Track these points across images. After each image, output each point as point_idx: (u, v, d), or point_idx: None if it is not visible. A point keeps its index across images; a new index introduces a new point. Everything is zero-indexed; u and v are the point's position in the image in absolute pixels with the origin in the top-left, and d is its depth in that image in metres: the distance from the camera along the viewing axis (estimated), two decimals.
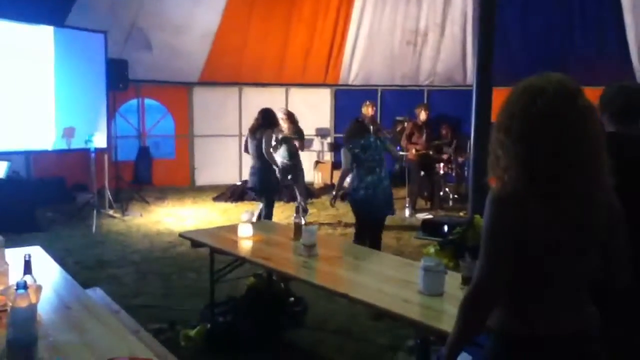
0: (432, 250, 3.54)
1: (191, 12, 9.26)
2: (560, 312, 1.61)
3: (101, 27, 8.21)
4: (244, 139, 10.94)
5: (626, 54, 9.09)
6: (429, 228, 4.39)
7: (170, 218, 8.13)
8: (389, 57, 10.69)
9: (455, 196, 9.04)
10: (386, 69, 10.96)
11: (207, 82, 10.62)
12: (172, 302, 4.86)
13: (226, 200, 9.42)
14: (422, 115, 9.37)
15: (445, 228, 4.13)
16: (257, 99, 11.06)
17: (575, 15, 9.04)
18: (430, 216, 5.56)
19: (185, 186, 10.62)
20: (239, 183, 9.95)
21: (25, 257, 2.42)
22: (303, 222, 7.19)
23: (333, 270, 3.18)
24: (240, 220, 3.94)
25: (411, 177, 8.76)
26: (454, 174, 9.40)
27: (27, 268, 2.39)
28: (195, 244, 3.89)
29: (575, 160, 1.56)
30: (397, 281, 2.96)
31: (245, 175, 10.60)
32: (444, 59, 10.67)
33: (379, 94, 11.31)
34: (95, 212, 7.46)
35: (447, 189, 9.18)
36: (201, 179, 10.92)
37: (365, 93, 11.12)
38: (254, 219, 6.83)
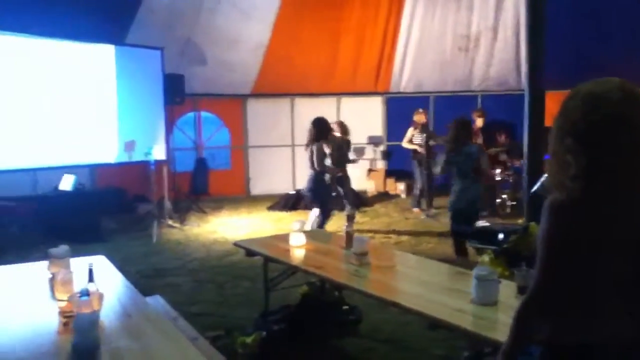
0: (486, 258, 3.49)
1: (243, 26, 9.48)
2: (610, 319, 1.57)
3: (158, 43, 8.52)
4: (296, 149, 11.22)
5: None
6: (483, 236, 4.32)
7: (226, 227, 8.32)
8: (440, 63, 10.59)
9: (513, 203, 8.81)
10: (438, 75, 10.85)
11: (259, 93, 10.83)
12: (227, 310, 4.96)
13: (280, 209, 9.54)
14: (479, 122, 9.23)
15: (500, 236, 4.07)
16: (309, 109, 11.19)
17: (623, 20, 8.70)
18: (486, 224, 5.48)
19: (240, 196, 10.83)
20: (292, 192, 10.06)
21: (89, 265, 2.56)
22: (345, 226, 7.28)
23: (384, 279, 3.19)
24: (292, 229, 3.99)
25: None
26: (510, 180, 9.18)
27: (91, 276, 2.52)
28: (250, 252, 3.97)
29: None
30: (450, 290, 2.94)
31: (299, 184, 10.82)
32: (497, 63, 10.47)
33: (431, 101, 11.21)
34: (155, 222, 7.71)
35: (504, 196, 8.97)
36: (256, 189, 11.12)
37: (417, 100, 11.05)
38: (308, 227, 6.96)
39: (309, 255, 3.77)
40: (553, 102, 10.84)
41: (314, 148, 6.69)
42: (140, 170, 9.30)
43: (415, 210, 9.29)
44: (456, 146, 5.28)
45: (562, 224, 1.58)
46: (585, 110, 1.56)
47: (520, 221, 7.59)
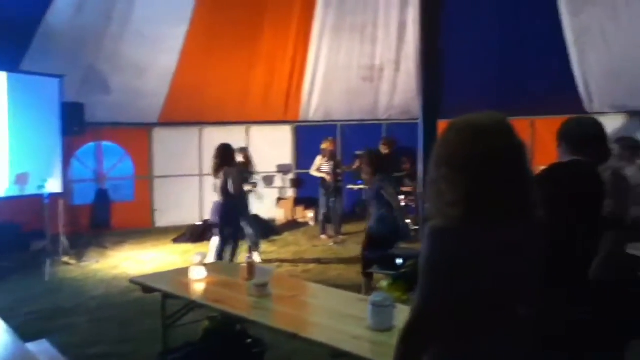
0: (384, 284, 3.55)
1: (149, 54, 9.26)
2: (488, 345, 1.62)
3: (57, 70, 8.13)
4: (204, 178, 11.02)
5: (572, 84, 9.45)
6: (385, 262, 4.41)
7: (129, 262, 7.95)
8: (347, 93, 10.86)
9: (416, 227, 9.09)
10: (345, 105, 11.12)
11: (167, 122, 10.58)
12: (129, 349, 4.71)
13: (186, 241, 9.27)
14: (383, 149, 9.53)
15: (399, 261, 4.17)
16: (218, 138, 11.04)
17: (523, 49, 9.36)
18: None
19: (146, 228, 10.43)
20: (199, 223, 9.83)
21: None
22: (258, 259, 7.20)
23: (285, 309, 3.15)
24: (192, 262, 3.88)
25: None
26: (414, 206, 9.49)
27: None
28: (146, 289, 3.80)
29: (514, 195, 1.61)
30: (349, 318, 2.95)
31: (207, 215, 10.58)
32: (400, 93, 10.89)
33: (339, 129, 11.44)
34: (48, 259, 7.24)
35: (408, 221, 9.23)
36: (162, 221, 10.75)
37: (326, 128, 11.24)
38: (211, 259, 6.82)
39: (210, 289, 3.67)
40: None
41: (230, 174, 6.58)
42: (35, 205, 8.74)
43: (323, 237, 9.36)
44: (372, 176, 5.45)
45: (441, 249, 1.62)
46: (462, 142, 1.63)
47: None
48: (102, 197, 10.19)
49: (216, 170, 6.73)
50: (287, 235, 9.79)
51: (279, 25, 9.76)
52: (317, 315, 3.03)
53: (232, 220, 6.72)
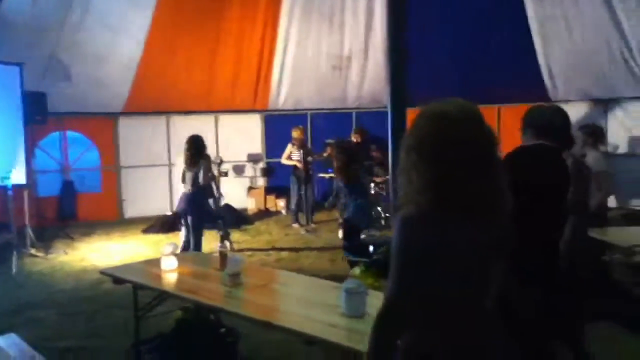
0: (357, 271, 3.58)
1: (111, 42, 9.07)
2: (459, 329, 1.66)
3: (17, 59, 7.90)
4: (173, 168, 10.88)
5: (538, 72, 9.62)
6: (356, 249, 4.45)
7: (97, 254, 7.83)
8: (317, 81, 10.83)
9: (387, 215, 9.18)
10: (315, 94, 11.10)
11: (132, 112, 10.39)
12: (98, 342, 4.66)
13: (157, 232, 9.17)
14: (355, 138, 9.59)
15: (371, 248, 4.21)
16: (186, 127, 10.92)
17: (488, 38, 9.48)
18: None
19: (113, 220, 10.27)
20: (169, 213, 9.73)
21: None
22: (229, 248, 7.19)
23: (258, 298, 3.15)
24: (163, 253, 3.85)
25: None
26: (384, 193, 9.58)
27: None
28: (117, 280, 3.76)
29: (483, 182, 1.63)
30: (323, 305, 2.97)
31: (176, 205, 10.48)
32: (368, 81, 10.92)
33: (309, 118, 11.43)
34: (14, 252, 7.08)
35: (379, 208, 9.32)
36: (130, 212, 10.61)
37: (295, 117, 11.22)
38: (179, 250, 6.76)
39: (182, 279, 3.64)
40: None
41: (203, 167, 6.51)
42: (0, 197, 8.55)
43: (295, 226, 9.38)
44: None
45: (410, 237, 1.65)
46: (431, 130, 1.65)
47: (389, 233, 7.94)
48: (68, 189, 9.98)
49: (192, 162, 6.62)
50: (258, 225, 9.77)
51: (246, 13, 9.65)
52: (290, 304, 3.04)
53: (198, 210, 6.65)
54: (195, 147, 6.72)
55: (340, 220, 8.57)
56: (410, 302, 1.65)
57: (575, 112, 9.02)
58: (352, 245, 5.03)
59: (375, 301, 2.87)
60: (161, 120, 10.84)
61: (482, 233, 1.65)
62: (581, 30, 8.85)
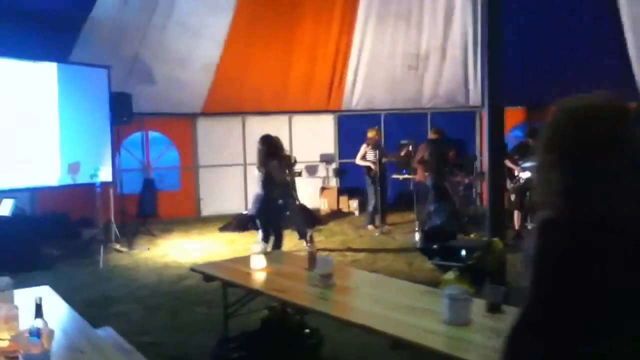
0: (451, 276, 3.44)
1: (192, 45, 9.29)
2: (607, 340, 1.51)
3: (104, 61, 8.23)
4: (248, 167, 11.05)
5: (629, 70, 9.09)
6: (444, 253, 4.30)
7: (177, 251, 8.03)
8: (391, 82, 10.70)
9: (465, 219, 8.90)
10: (388, 94, 10.96)
11: (210, 112, 10.62)
12: (181, 338, 4.72)
13: (232, 230, 9.31)
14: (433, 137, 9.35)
15: (462, 252, 4.06)
16: (260, 128, 11.06)
17: (575, 32, 9.04)
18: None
19: (191, 217, 10.54)
20: (244, 212, 9.86)
21: (36, 300, 2.34)
22: (305, 246, 7.17)
23: (351, 300, 3.08)
24: (251, 252, 3.84)
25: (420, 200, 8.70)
26: (461, 195, 9.31)
27: (39, 312, 2.31)
28: (207, 277, 3.79)
29: (631, 187, 1.47)
30: (418, 310, 2.86)
31: (251, 204, 10.63)
32: (445, 81, 10.67)
33: (382, 119, 11.29)
34: (102, 247, 7.36)
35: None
36: (207, 210, 10.86)
37: (368, 117, 11.12)
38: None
39: (271, 279, 3.62)
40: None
41: (272, 167, 6.53)
42: (84, 193, 8.92)
43: (370, 227, 9.27)
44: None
45: (550, 243, 1.51)
46: (575, 126, 1.51)
47: (472, 236, 7.69)
48: (149, 187, 10.32)
49: (261, 163, 6.65)
50: (332, 225, 9.73)
51: (322, 14, 9.66)
52: (386, 308, 2.94)
53: (270, 212, 6.64)
54: (265, 147, 6.72)
55: (418, 222, 8.43)
56: (551, 314, 1.51)
57: None
58: (436, 249, 4.89)
59: (474, 308, 2.75)
60: (237, 121, 11.03)
61: (628, 243, 1.48)
62: None
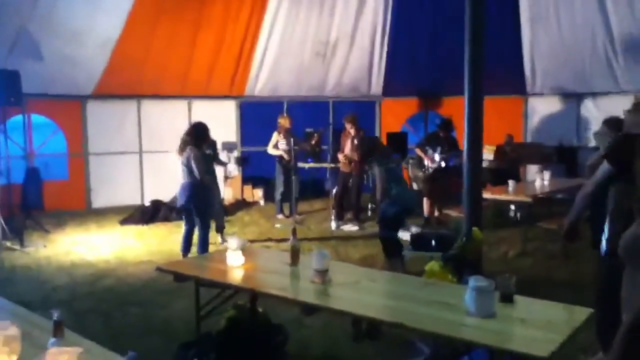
0: (436, 266, 3.46)
1: (90, 19, 8.41)
2: None
3: None
4: (145, 155, 10.35)
5: (520, 65, 9.84)
6: (419, 243, 4.34)
7: (80, 247, 7.29)
8: (298, 68, 10.58)
9: (373, 206, 9.11)
10: (294, 81, 10.84)
11: (102, 94, 9.75)
12: (125, 343, 4.28)
13: (136, 223, 8.67)
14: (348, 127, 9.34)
15: (433, 242, 4.12)
16: (158, 113, 10.43)
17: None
18: (416, 230, 5.70)
19: (80, 209, 9.64)
20: (147, 204, 9.22)
21: (55, 316, 2.02)
22: (222, 242, 6.90)
23: (362, 296, 2.95)
24: (226, 248, 3.57)
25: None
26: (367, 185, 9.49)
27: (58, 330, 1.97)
28: (179, 277, 3.45)
29: None
30: (433, 303, 2.81)
31: (148, 195, 9.97)
32: (351, 70, 10.79)
33: (285, 106, 11.15)
34: None
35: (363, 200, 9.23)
36: (98, 201, 10.00)
37: (272, 105, 10.94)
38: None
39: (254, 276, 3.39)
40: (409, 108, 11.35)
41: (194, 154, 6.11)
42: None
43: (280, 216, 9.14)
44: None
45: None
46: None
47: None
48: (33, 176, 9.24)
49: (182, 147, 6.24)
50: (241, 215, 9.46)
51: None
52: (399, 301, 2.87)
53: (203, 203, 6.26)
54: (192, 134, 6.31)
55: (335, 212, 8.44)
56: None
57: None
58: (390, 236, 4.94)
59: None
60: (132, 105, 10.25)
61: None
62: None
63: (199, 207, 6.17)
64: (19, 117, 9.15)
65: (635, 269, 1.73)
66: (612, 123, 5.33)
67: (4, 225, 7.32)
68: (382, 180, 5.44)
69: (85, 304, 5.15)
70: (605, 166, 2.89)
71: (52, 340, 2.11)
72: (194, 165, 6.04)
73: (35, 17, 8.01)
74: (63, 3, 8.05)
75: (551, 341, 2.28)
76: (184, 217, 6.42)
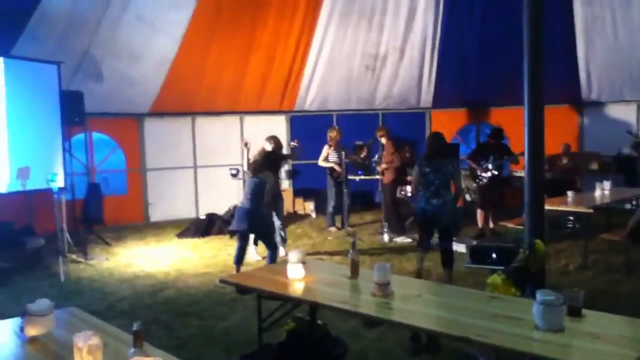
0: (498, 280, 3.42)
1: (149, 40, 8.75)
2: None
3: (51, 56, 7.57)
4: (199, 170, 10.62)
5: (575, 72, 9.63)
6: (478, 255, 4.30)
7: (140, 259, 7.53)
8: (347, 81, 10.67)
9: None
10: (343, 94, 10.92)
11: (158, 112, 10.08)
12: (189, 354, 4.40)
13: (192, 236, 8.88)
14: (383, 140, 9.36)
15: (494, 255, 4.08)
16: (211, 128, 10.71)
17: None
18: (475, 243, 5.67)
19: (138, 223, 9.97)
20: (202, 217, 9.45)
21: (135, 327, 2.11)
22: (283, 252, 6.94)
23: (423, 309, 2.95)
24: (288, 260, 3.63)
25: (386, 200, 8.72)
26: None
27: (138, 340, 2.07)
28: (242, 289, 3.53)
29: None
30: (498, 317, 2.79)
31: (203, 208, 10.20)
32: (400, 82, 10.79)
33: (335, 119, 11.23)
34: (60, 258, 6.75)
35: None
36: (156, 215, 10.32)
37: (321, 118, 11.04)
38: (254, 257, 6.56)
39: (315, 288, 3.43)
40: (449, 118, 11.32)
41: (269, 182, 6.04)
42: (24, 200, 8.22)
43: (332, 229, 9.19)
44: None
45: None
46: None
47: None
48: (94, 191, 9.61)
49: (255, 170, 6.19)
50: (293, 228, 9.53)
51: (284, 12, 9.40)
52: (463, 315, 2.85)
53: (265, 226, 6.27)
54: (266, 161, 6.23)
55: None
56: None
57: None
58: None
59: None
60: (187, 121, 10.56)
61: None
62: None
63: (261, 233, 6.17)
64: (81, 135, 9.62)
65: None
66: None
67: (69, 238, 7.61)
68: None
69: (148, 315, 5.30)
70: None
71: (132, 350, 2.20)
72: (265, 194, 5.93)
73: (97, 40, 8.37)
74: (124, 26, 8.38)
75: (625, 357, 2.23)
76: (237, 236, 6.30)
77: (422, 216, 5.59)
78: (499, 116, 10.31)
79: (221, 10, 8.84)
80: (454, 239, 5.73)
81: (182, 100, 10.00)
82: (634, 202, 8.13)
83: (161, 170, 10.37)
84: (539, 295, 2.62)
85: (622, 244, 5.78)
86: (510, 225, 7.30)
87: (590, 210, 6.33)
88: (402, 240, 8.29)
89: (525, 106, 4.10)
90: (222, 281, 3.72)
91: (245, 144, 7.74)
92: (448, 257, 5.38)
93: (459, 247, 5.49)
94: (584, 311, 2.77)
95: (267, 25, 9.43)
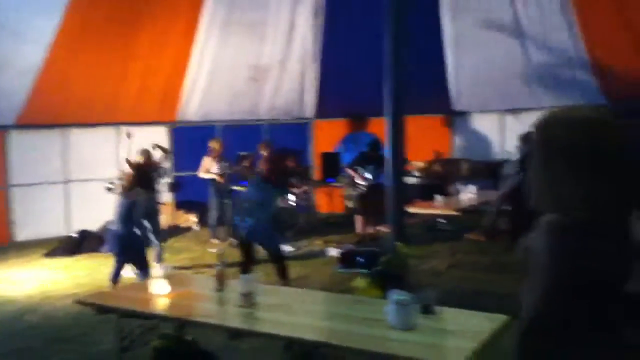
0: (362, 283, 3.51)
1: (12, 48, 8.11)
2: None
3: None
4: (71, 185, 9.99)
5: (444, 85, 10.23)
6: (347, 260, 4.37)
7: (2, 284, 6.93)
8: (231, 93, 10.56)
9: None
10: (226, 105, 10.80)
11: (26, 124, 9.37)
12: None
13: (61, 255, 8.32)
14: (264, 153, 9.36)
15: (361, 259, 4.17)
16: (86, 140, 10.11)
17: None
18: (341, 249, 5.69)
19: (2, 245, 9.17)
20: (74, 235, 8.88)
21: None
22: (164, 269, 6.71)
23: (290, 318, 2.95)
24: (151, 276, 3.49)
25: None
26: (303, 204, 9.56)
27: None
28: (101, 309, 3.34)
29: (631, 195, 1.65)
30: (361, 320, 2.86)
31: (75, 224, 9.58)
32: (283, 93, 10.86)
33: (218, 130, 11.06)
34: None
35: (300, 220, 9.29)
36: (23, 234, 9.53)
37: (204, 129, 10.82)
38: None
39: (182, 304, 3.32)
40: (335, 128, 11.53)
41: (139, 202, 5.77)
42: None
43: (214, 241, 9.02)
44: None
45: (562, 246, 1.61)
46: (581, 136, 1.63)
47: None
48: None
49: (127, 189, 5.88)
50: (172, 242, 9.19)
51: (161, 20, 9.13)
52: (330, 321, 2.89)
53: (136, 248, 5.96)
54: (138, 177, 5.96)
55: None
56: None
57: None
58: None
59: None
60: (58, 133, 9.89)
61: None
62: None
63: (133, 258, 5.84)
64: None
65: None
66: (524, 138, 5.64)
67: None
68: None
69: (12, 345, 4.85)
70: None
71: None
72: (135, 214, 5.65)
73: None
74: None
75: (462, 349, 2.36)
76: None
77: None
78: (379, 126, 10.68)
79: (92, 18, 8.40)
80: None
81: (52, 112, 9.35)
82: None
83: (28, 186, 9.63)
84: (391, 295, 2.72)
85: (484, 244, 6.18)
86: (385, 230, 7.57)
87: (456, 213, 6.72)
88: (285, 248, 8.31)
89: (386, 116, 4.27)
90: (78, 302, 3.50)
91: (128, 135, 7.43)
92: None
93: (331, 252, 5.58)
94: (438, 309, 2.90)
95: (143, 35, 9.09)
